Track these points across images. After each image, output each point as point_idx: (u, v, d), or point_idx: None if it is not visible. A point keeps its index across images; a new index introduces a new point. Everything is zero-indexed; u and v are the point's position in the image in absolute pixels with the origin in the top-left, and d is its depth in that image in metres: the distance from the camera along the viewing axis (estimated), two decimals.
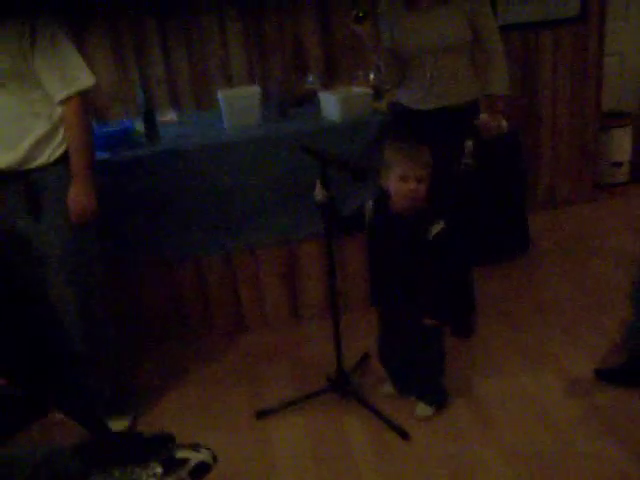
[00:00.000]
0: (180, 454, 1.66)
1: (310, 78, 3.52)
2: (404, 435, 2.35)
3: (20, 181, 2.20)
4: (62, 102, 2.17)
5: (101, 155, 2.72)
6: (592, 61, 4.07)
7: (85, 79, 2.21)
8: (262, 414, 2.54)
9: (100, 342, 2.44)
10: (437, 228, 2.15)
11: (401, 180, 2.14)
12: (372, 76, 3.29)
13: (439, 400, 2.47)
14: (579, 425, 2.32)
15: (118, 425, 2.50)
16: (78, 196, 2.23)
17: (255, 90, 3.04)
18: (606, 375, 2.54)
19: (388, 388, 2.59)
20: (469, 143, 2.60)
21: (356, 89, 3.10)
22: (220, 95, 3.00)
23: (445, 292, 2.23)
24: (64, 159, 2.23)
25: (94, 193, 2.27)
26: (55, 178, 2.23)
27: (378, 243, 2.32)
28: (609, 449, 2.19)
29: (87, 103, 2.26)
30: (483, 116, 2.71)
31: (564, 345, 2.81)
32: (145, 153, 2.78)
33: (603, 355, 2.70)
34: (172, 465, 1.62)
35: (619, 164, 4.39)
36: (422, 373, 2.46)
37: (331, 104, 2.95)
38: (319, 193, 2.27)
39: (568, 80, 4.08)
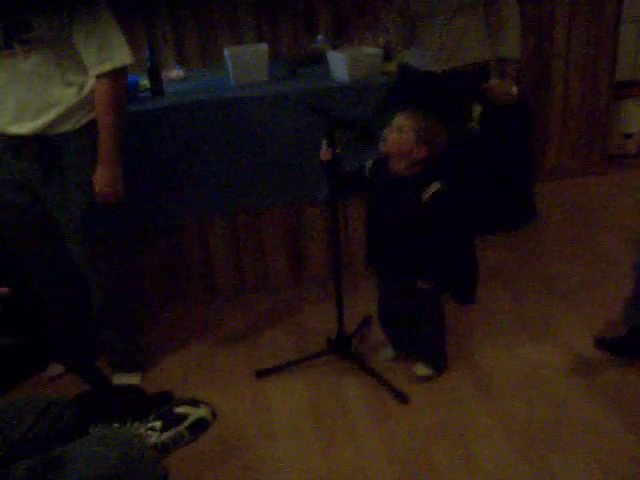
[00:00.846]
0: (179, 410, 1.66)
1: (319, 38, 3.46)
2: (403, 399, 2.35)
3: (39, 145, 2.14)
4: (96, 77, 2.09)
5: None
6: (608, 28, 3.99)
7: (122, 56, 2.10)
8: (262, 374, 2.55)
9: (120, 297, 2.46)
10: (432, 189, 2.11)
11: (387, 128, 2.15)
12: (382, 37, 3.22)
13: (438, 362, 2.48)
14: (578, 396, 2.33)
15: (131, 379, 2.54)
16: (103, 181, 2.16)
17: (262, 47, 2.99)
18: (606, 346, 2.53)
19: (388, 351, 2.60)
20: (477, 107, 2.56)
21: (365, 49, 3.04)
22: (227, 51, 2.94)
23: (440, 255, 2.20)
24: (88, 127, 2.16)
25: (120, 178, 2.20)
26: (75, 145, 2.16)
27: (374, 203, 2.30)
28: (608, 420, 2.20)
29: (123, 81, 2.16)
30: (493, 81, 2.66)
31: (566, 316, 2.80)
32: (150, 108, 2.74)
33: (605, 327, 2.69)
34: (171, 420, 1.62)
35: (630, 135, 4.33)
36: (421, 335, 2.45)
37: (340, 64, 2.90)
38: (325, 152, 2.23)
39: (583, 47, 3.99)
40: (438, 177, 2.13)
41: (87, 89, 2.13)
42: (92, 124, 2.16)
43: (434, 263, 2.22)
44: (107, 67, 2.08)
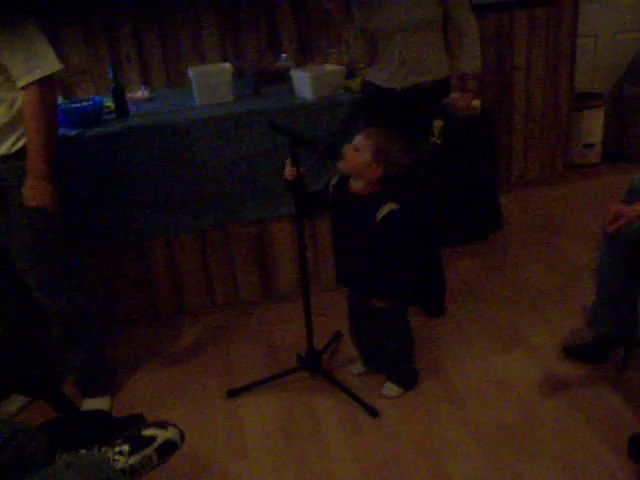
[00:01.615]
0: (147, 432, 1.65)
1: (283, 56, 3.49)
2: (373, 413, 2.36)
3: None
4: (25, 87, 2.06)
5: (69, 132, 2.68)
6: (565, 42, 4.09)
7: (50, 64, 2.08)
8: (233, 393, 2.54)
9: (75, 321, 2.41)
10: (385, 209, 2.12)
11: (345, 146, 2.17)
12: (345, 55, 3.27)
13: (407, 381, 2.49)
14: (547, 403, 2.36)
15: (100, 404, 2.50)
16: (31, 192, 2.12)
17: (226, 67, 3.01)
18: (573, 353, 2.58)
19: (359, 366, 2.61)
20: (437, 122, 2.59)
21: (329, 67, 3.08)
22: (191, 71, 2.96)
23: (392, 274, 2.21)
24: (26, 149, 2.13)
25: (49, 190, 2.15)
26: (15, 168, 2.13)
27: (336, 221, 2.32)
28: (576, 427, 2.23)
29: (51, 91, 2.13)
30: (454, 95, 2.71)
31: (534, 323, 2.85)
32: (114, 129, 2.73)
33: (572, 333, 2.74)
34: (138, 443, 1.61)
35: (591, 145, 4.43)
36: (389, 353, 2.46)
37: (304, 82, 2.92)
38: (289, 172, 2.25)
39: (542, 61, 4.09)
40: (393, 197, 2.15)
41: (19, 105, 2.10)
42: None
43: (387, 282, 2.23)
44: (35, 75, 2.05)
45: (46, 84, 2.09)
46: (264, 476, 2.15)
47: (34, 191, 2.13)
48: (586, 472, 2.04)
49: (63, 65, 2.16)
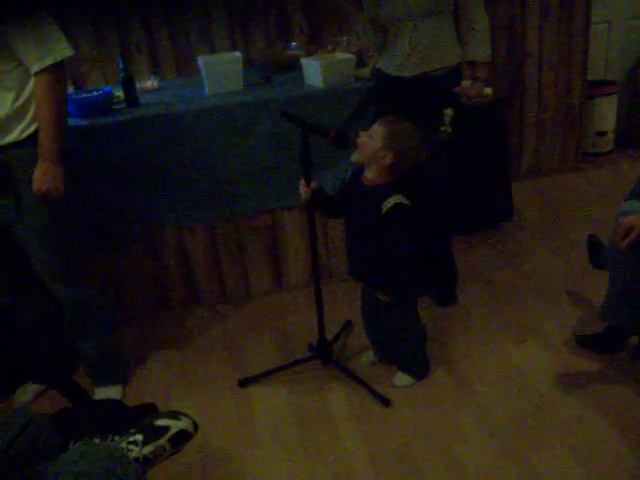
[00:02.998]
0: (160, 422, 1.65)
1: (293, 44, 3.47)
2: (385, 402, 2.36)
3: None
4: (37, 73, 2.08)
5: (79, 122, 2.68)
6: (578, 29, 4.04)
7: (62, 49, 2.10)
8: (245, 382, 2.55)
9: (86, 309, 2.43)
10: (392, 202, 2.10)
11: (360, 133, 2.17)
12: (355, 43, 3.24)
13: (419, 371, 2.48)
14: (560, 392, 2.35)
15: (112, 393, 2.52)
16: (43, 178, 2.13)
17: (236, 56, 3.00)
18: (586, 343, 2.56)
19: (370, 355, 2.60)
20: (448, 111, 2.57)
21: (339, 55, 3.06)
22: (200, 60, 2.95)
23: (397, 268, 2.20)
24: (35, 136, 2.14)
25: (60, 174, 2.17)
26: (25, 155, 2.14)
27: (347, 212, 2.31)
28: (589, 416, 2.22)
29: (62, 76, 2.15)
30: (464, 83, 2.68)
31: (545, 313, 2.83)
32: (124, 119, 2.73)
33: (584, 322, 2.72)
34: (152, 433, 1.62)
35: (603, 133, 4.39)
36: (400, 344, 2.46)
37: (314, 70, 2.91)
38: (303, 191, 2.25)
39: (554, 48, 4.05)
40: (402, 190, 2.13)
41: (28, 93, 2.12)
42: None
43: (390, 277, 2.22)
44: (48, 61, 2.07)
45: (58, 69, 2.11)
46: (276, 465, 2.16)
47: (45, 175, 2.14)
48: (600, 461, 2.03)
49: (74, 51, 2.17)
